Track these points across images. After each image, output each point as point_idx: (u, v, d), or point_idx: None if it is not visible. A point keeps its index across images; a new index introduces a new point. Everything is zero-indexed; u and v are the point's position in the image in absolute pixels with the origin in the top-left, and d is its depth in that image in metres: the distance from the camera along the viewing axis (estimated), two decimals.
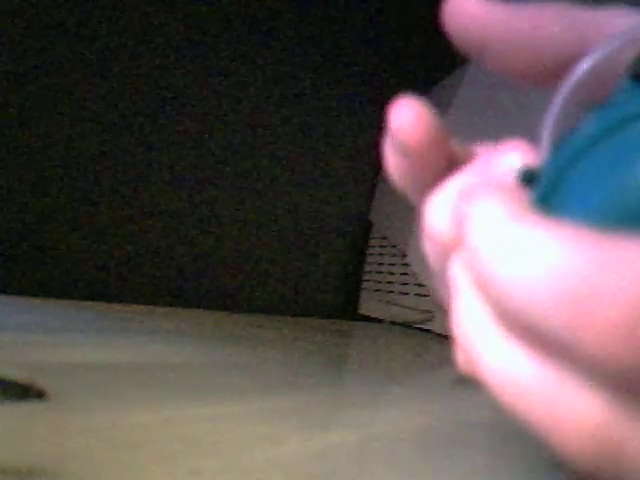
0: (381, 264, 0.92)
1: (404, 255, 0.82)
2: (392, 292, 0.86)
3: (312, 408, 0.25)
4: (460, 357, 0.17)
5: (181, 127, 0.77)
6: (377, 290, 0.92)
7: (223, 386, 0.27)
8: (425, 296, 0.76)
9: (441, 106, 0.81)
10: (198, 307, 0.80)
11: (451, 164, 0.18)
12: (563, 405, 0.12)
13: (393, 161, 0.18)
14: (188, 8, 0.77)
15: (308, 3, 0.89)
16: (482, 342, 0.14)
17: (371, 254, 0.97)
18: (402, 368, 0.42)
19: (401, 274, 0.84)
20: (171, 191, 0.77)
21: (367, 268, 0.98)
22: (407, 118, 0.17)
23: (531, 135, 0.58)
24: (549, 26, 0.17)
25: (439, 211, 0.17)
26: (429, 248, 0.18)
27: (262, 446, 0.19)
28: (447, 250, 0.17)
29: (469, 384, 0.38)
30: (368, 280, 0.96)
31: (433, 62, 1.07)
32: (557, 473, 0.20)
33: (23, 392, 0.16)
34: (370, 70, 0.98)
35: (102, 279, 0.72)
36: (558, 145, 0.14)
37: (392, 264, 0.87)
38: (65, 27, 0.67)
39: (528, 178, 0.15)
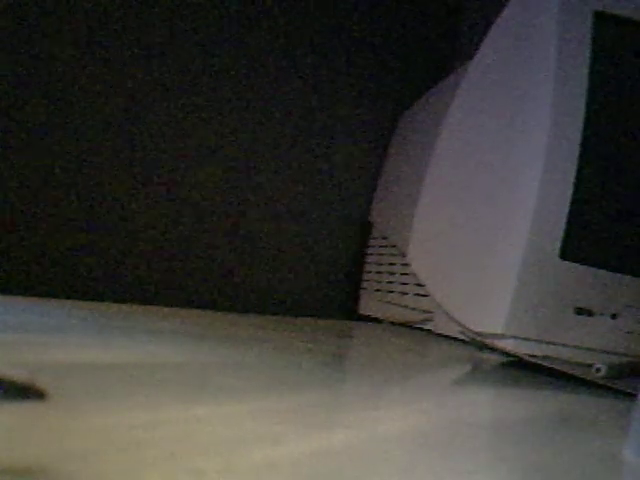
0: (381, 264, 0.92)
1: (404, 255, 0.82)
2: (392, 292, 0.86)
3: (312, 408, 0.25)
4: None
5: (181, 127, 0.77)
6: (377, 290, 0.92)
7: (223, 386, 0.27)
8: (425, 296, 0.76)
9: (441, 106, 0.81)
10: (198, 307, 0.80)
11: None
12: None
13: None
14: (195, 8, 0.77)
15: (307, 4, 0.89)
16: None
17: (371, 254, 0.97)
18: (402, 368, 0.42)
19: (401, 274, 0.84)
20: (171, 191, 0.77)
21: (367, 268, 0.97)
22: None
23: (531, 135, 0.58)
24: None
25: None
26: None
27: (262, 446, 0.19)
28: None
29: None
30: (368, 280, 0.96)
31: (433, 62, 1.07)
32: (557, 472, 0.20)
33: (23, 392, 0.16)
34: (370, 70, 0.98)
35: (101, 279, 0.72)
36: None
37: (392, 264, 0.87)
38: (63, 26, 0.67)
39: None
